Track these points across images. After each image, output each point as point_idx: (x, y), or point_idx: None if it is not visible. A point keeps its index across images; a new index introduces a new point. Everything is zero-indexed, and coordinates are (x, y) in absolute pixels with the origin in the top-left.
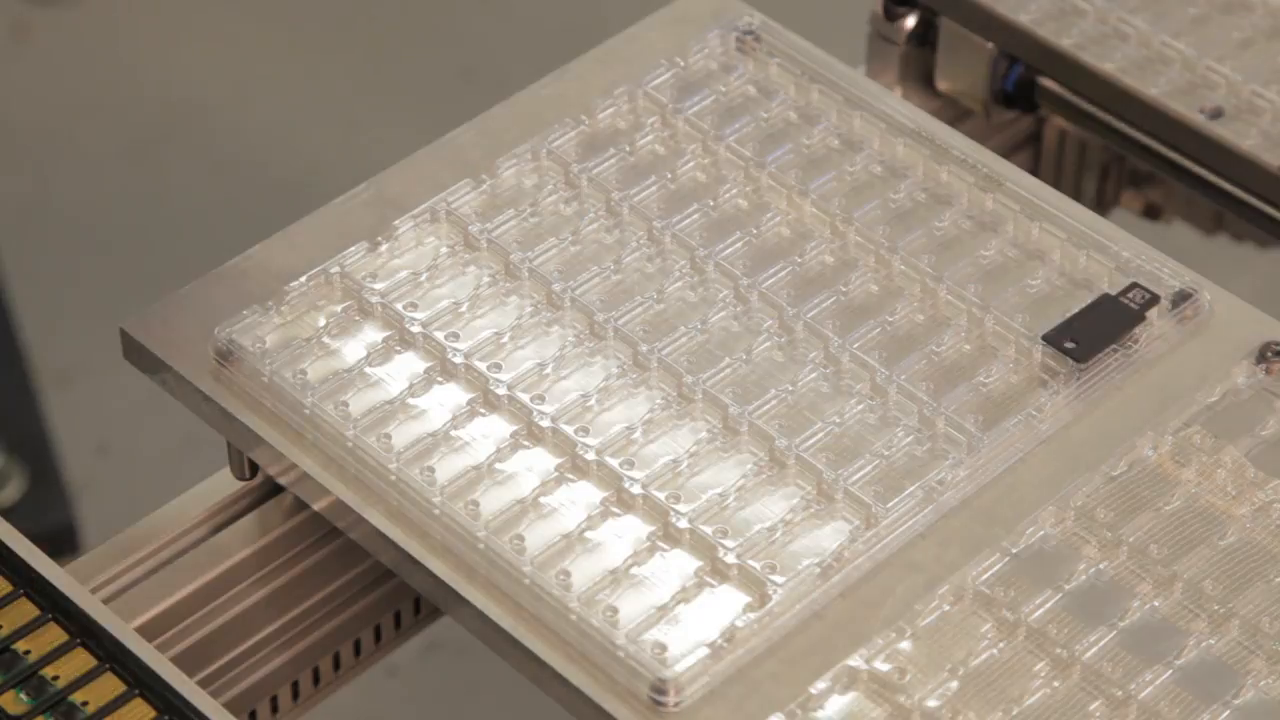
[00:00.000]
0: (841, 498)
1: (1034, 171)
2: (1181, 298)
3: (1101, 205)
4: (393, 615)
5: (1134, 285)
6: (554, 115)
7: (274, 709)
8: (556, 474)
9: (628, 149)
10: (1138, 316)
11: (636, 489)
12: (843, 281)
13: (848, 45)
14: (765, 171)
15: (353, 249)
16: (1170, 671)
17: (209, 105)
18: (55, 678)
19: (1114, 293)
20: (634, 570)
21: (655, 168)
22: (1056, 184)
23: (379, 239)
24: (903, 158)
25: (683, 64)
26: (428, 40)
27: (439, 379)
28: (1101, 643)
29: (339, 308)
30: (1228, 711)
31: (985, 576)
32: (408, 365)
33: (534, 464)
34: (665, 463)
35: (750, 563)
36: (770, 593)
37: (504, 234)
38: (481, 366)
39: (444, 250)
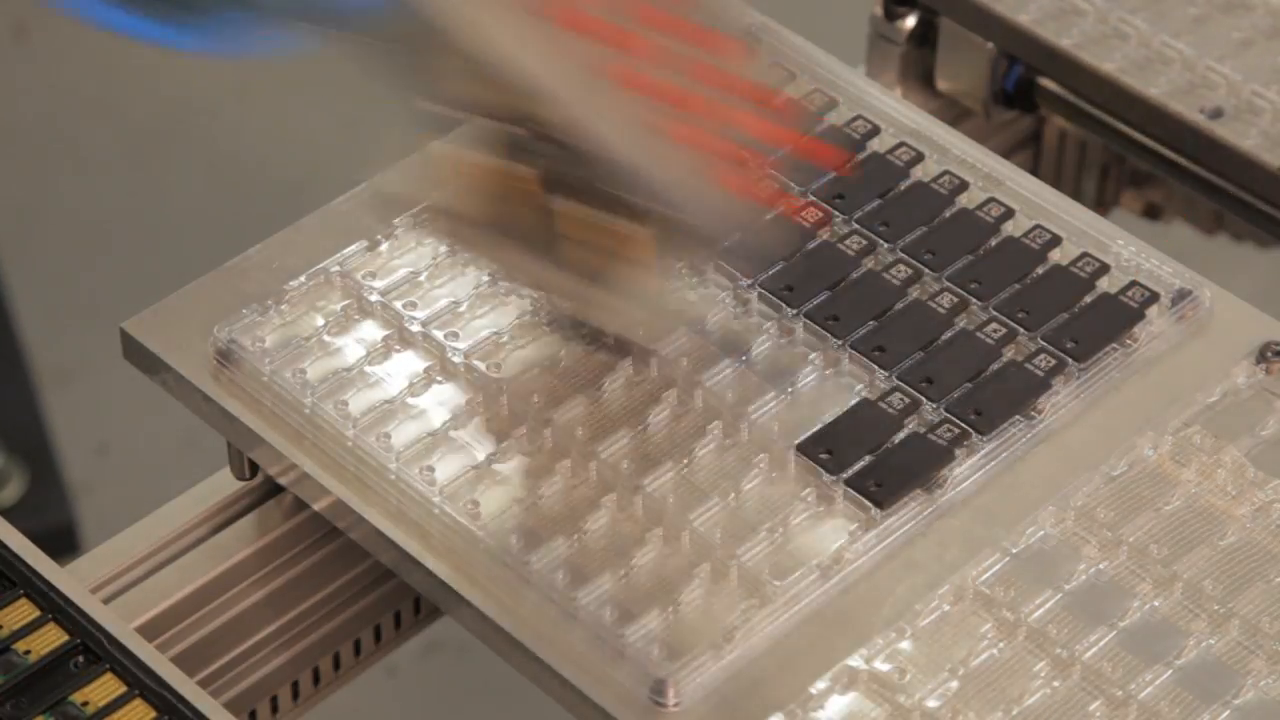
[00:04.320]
0: (841, 498)
1: (1034, 171)
2: (1181, 296)
3: (1101, 205)
4: (393, 615)
5: (1133, 284)
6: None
7: (274, 709)
8: (555, 472)
9: None
10: (1137, 315)
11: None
12: (844, 280)
13: (848, 45)
14: (764, 170)
15: (352, 248)
16: (1170, 671)
17: (209, 105)
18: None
19: (1113, 292)
20: (634, 570)
21: None
22: (1056, 184)
23: (379, 238)
24: (902, 157)
25: None
26: None
27: (438, 378)
28: (1101, 643)
29: (338, 307)
30: (1228, 711)
31: (985, 576)
32: (407, 364)
33: (533, 463)
34: (667, 464)
35: (751, 563)
36: (770, 593)
37: None
38: (481, 366)
39: (443, 249)
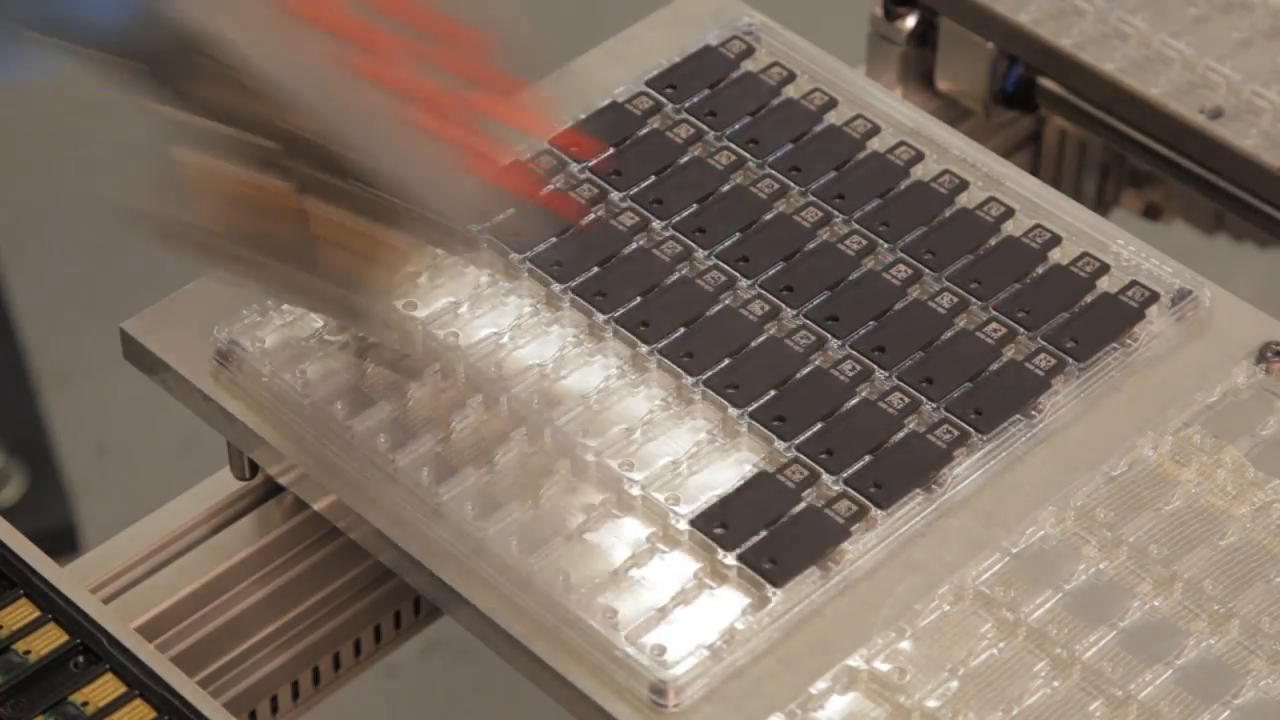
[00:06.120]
0: (842, 498)
1: (1034, 171)
2: (1181, 296)
3: (1101, 205)
4: (393, 615)
5: (1133, 283)
6: (554, 115)
7: (274, 709)
8: (556, 474)
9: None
10: (1137, 314)
11: (636, 490)
12: (844, 280)
13: (848, 45)
14: (767, 168)
15: None
16: (1170, 671)
17: None
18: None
19: (1113, 292)
20: (633, 571)
21: (655, 165)
22: (1056, 184)
23: None
24: (902, 157)
25: (681, 62)
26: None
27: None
28: (1101, 643)
29: None
30: (1228, 711)
31: (985, 576)
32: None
33: (533, 464)
34: (665, 464)
35: (749, 564)
36: (769, 593)
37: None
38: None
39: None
